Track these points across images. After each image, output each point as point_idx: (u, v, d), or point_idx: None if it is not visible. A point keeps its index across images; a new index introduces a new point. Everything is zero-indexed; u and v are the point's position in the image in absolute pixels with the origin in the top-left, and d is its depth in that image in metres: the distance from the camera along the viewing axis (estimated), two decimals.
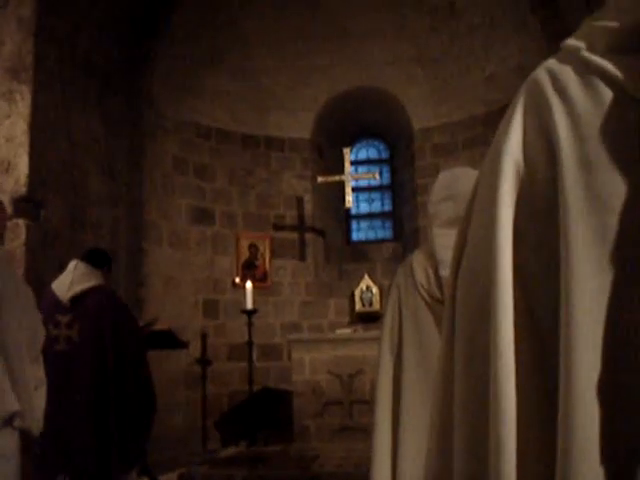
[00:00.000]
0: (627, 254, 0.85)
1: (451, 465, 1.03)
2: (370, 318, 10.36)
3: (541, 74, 1.01)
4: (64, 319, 4.90)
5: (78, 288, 4.98)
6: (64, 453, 4.73)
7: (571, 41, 1.00)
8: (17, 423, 3.59)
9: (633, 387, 0.83)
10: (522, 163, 0.97)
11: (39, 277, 6.37)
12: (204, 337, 9.40)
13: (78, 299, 4.96)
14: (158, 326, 6.59)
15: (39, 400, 3.77)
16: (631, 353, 0.84)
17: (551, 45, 8.52)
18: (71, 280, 5.01)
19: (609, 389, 0.84)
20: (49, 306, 4.71)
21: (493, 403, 0.92)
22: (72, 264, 5.12)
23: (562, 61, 1.00)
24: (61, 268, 5.34)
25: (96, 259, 5.26)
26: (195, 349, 9.07)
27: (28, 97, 7.19)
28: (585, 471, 0.82)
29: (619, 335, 0.84)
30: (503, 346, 0.91)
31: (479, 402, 0.96)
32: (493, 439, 0.91)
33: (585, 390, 0.83)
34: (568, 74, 0.97)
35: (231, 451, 8.77)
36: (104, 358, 4.88)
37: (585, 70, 0.95)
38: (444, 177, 2.88)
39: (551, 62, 1.02)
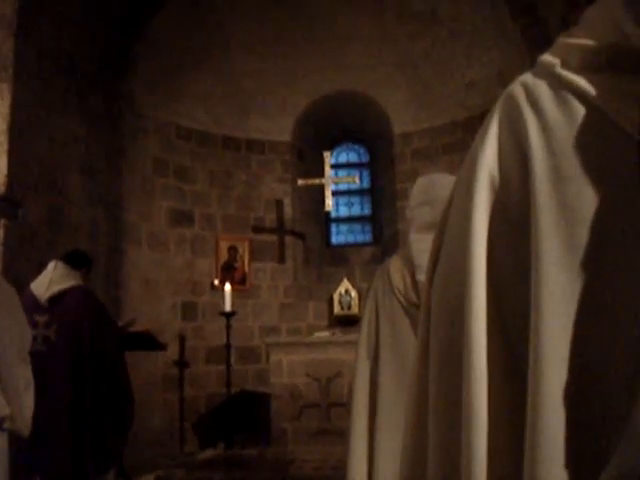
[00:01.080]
0: (596, 265, 0.87)
1: (424, 467, 1.04)
2: (349, 321, 10.37)
3: (516, 88, 1.03)
4: (42, 319, 4.88)
5: (56, 288, 4.96)
6: (40, 454, 4.70)
7: (546, 57, 1.02)
8: (7, 425, 3.58)
9: (598, 397, 0.85)
10: (497, 174, 0.99)
11: (16, 277, 6.33)
12: (182, 339, 9.39)
13: (56, 299, 4.94)
14: (136, 327, 6.57)
15: (28, 401, 3.76)
16: (597, 365, 0.85)
17: (531, 51, 8.58)
18: (50, 280, 4.99)
19: (576, 398, 0.85)
20: (27, 306, 4.68)
21: (465, 406, 0.93)
22: (51, 264, 5.10)
23: (537, 76, 1.02)
24: (39, 268, 5.32)
25: (76, 260, 5.24)
26: (173, 351, 9.05)
27: (8, 96, 7.13)
28: (551, 474, 0.84)
29: (586, 346, 0.86)
30: (475, 351, 0.93)
31: (451, 405, 0.98)
32: (464, 441, 0.93)
33: (552, 398, 0.85)
34: (542, 89, 0.98)
35: (208, 454, 8.76)
36: (81, 358, 4.86)
37: (559, 86, 0.97)
38: (422, 182, 2.91)
39: (526, 77, 1.03)
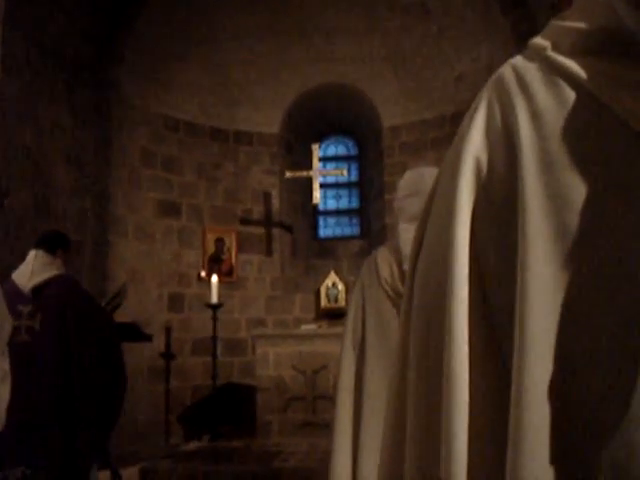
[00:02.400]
0: (585, 253, 0.85)
1: (404, 455, 1.04)
2: (335, 314, 10.37)
3: (506, 71, 1.01)
4: (25, 309, 4.83)
5: (39, 278, 4.92)
6: (26, 445, 4.67)
7: (537, 40, 1.00)
8: None
9: (583, 393, 0.84)
10: (483, 158, 0.97)
11: (2, 267, 6.30)
12: (168, 331, 9.35)
13: (39, 289, 4.90)
14: (122, 319, 6.55)
15: (3, 393, 3.72)
16: (583, 359, 0.84)
17: (520, 46, 8.42)
18: (31, 270, 4.94)
19: (560, 393, 0.84)
20: (10, 296, 4.64)
21: (446, 395, 0.92)
22: (32, 254, 5.04)
23: (528, 59, 1.00)
24: (25, 258, 5.28)
25: (51, 243, 5.16)
26: (159, 343, 9.02)
27: None
28: (534, 469, 0.83)
29: (572, 339, 0.85)
30: (457, 339, 0.92)
31: (432, 393, 0.97)
32: (445, 429, 0.92)
33: (536, 392, 0.84)
34: (533, 73, 0.97)
35: (194, 446, 8.75)
36: (67, 347, 4.82)
37: (549, 70, 0.95)
38: (410, 174, 2.91)
39: (517, 60, 1.02)
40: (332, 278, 10.93)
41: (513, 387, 0.86)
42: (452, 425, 0.91)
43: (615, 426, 0.82)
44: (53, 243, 5.16)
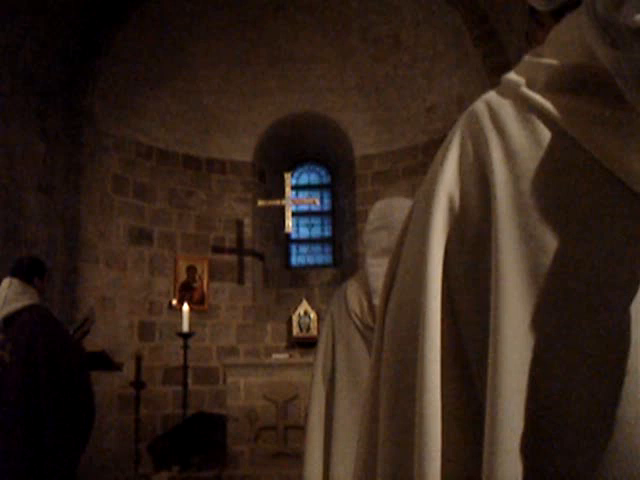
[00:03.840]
0: (558, 295, 0.85)
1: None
2: (307, 343, 10.33)
3: (480, 107, 1.00)
4: None
5: (11, 307, 4.86)
6: None
7: (511, 75, 1.00)
8: None
9: (555, 430, 0.83)
10: (456, 196, 0.96)
11: None
12: (139, 359, 9.27)
13: (11, 319, 4.84)
14: (92, 347, 6.47)
15: None
16: (557, 395, 0.84)
17: (491, 78, 8.67)
18: (4, 299, 4.89)
19: (532, 433, 0.84)
20: None
21: (418, 444, 0.91)
22: (6, 281, 4.98)
23: (502, 95, 0.99)
24: None
25: (27, 271, 5.11)
26: (129, 371, 8.93)
27: None
28: None
29: (545, 376, 0.84)
30: (428, 376, 0.90)
31: (404, 439, 0.96)
32: (417, 467, 0.91)
33: (507, 434, 0.83)
34: (507, 109, 0.96)
35: (164, 476, 8.64)
36: (36, 379, 4.76)
37: (523, 106, 0.94)
38: (379, 207, 2.91)
39: (491, 95, 1.01)
40: (304, 306, 10.89)
41: (486, 430, 0.85)
42: (423, 462, 0.90)
43: (593, 464, 0.81)
44: (29, 271, 5.11)
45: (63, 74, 9.10)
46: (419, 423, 0.91)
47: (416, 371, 0.93)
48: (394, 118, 11.03)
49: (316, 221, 12.70)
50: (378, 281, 2.57)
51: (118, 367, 7.08)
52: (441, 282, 0.94)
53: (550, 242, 0.85)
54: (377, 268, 2.61)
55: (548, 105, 0.91)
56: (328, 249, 12.53)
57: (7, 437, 4.66)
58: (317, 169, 12.84)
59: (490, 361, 0.86)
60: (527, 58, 1.01)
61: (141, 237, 10.51)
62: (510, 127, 0.94)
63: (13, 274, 5.02)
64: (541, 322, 0.85)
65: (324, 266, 12.29)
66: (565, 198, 0.87)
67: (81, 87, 9.59)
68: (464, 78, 9.91)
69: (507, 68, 1.03)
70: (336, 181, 12.55)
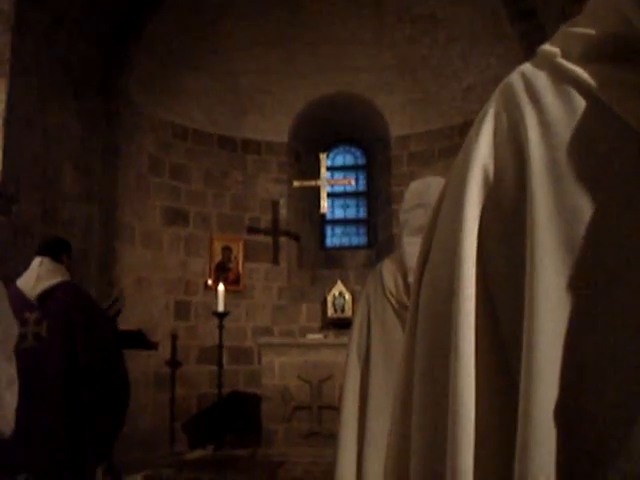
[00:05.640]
0: (594, 266, 0.84)
1: (409, 465, 1.02)
2: (342, 324, 10.35)
3: (515, 79, 0.99)
4: (32, 316, 4.83)
5: (45, 284, 4.92)
6: (31, 451, 4.66)
7: (547, 47, 0.98)
8: None
9: (592, 410, 0.82)
10: (491, 168, 0.95)
11: (8, 273, 6.30)
12: (174, 338, 9.36)
13: (45, 296, 4.91)
14: (128, 326, 6.54)
15: (11, 399, 3.71)
16: (593, 373, 0.82)
17: (529, 57, 8.52)
18: (37, 276, 4.95)
19: (569, 410, 0.82)
20: (16, 303, 4.64)
21: (452, 411, 0.91)
22: (37, 260, 5.05)
23: (537, 66, 0.98)
24: None
25: (56, 249, 5.18)
26: (165, 350, 9.02)
27: (3, 92, 7.12)
28: None
29: (582, 352, 0.83)
30: (463, 353, 0.90)
31: (438, 408, 0.95)
32: (450, 442, 0.91)
33: (543, 408, 0.82)
34: (542, 80, 0.95)
35: (198, 454, 8.73)
36: (74, 353, 4.82)
37: (559, 77, 0.93)
38: (416, 185, 2.89)
39: (526, 67, 1.00)
40: (339, 288, 10.90)
41: (520, 402, 0.84)
42: (458, 441, 0.90)
43: (624, 443, 0.80)
44: (57, 249, 5.17)
45: (99, 56, 9.15)
46: (453, 394, 0.91)
47: (450, 343, 0.92)
48: (430, 98, 10.97)
49: (351, 202, 12.70)
50: (413, 259, 2.55)
51: (154, 346, 7.15)
52: (476, 255, 0.93)
53: (585, 212, 0.84)
54: (413, 247, 2.59)
55: (584, 75, 0.90)
56: (363, 230, 12.53)
57: (45, 413, 4.71)
58: (352, 150, 12.82)
59: (525, 330, 0.85)
60: (562, 29, 0.99)
61: (177, 217, 10.58)
62: (545, 98, 0.92)
63: (42, 253, 5.08)
64: (576, 293, 0.84)
65: (359, 247, 12.30)
66: (600, 168, 0.86)
67: (117, 68, 9.64)
68: (501, 57, 9.80)
69: (543, 44, 1.02)
70: (371, 162, 12.52)
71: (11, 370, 3.76)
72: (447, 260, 0.97)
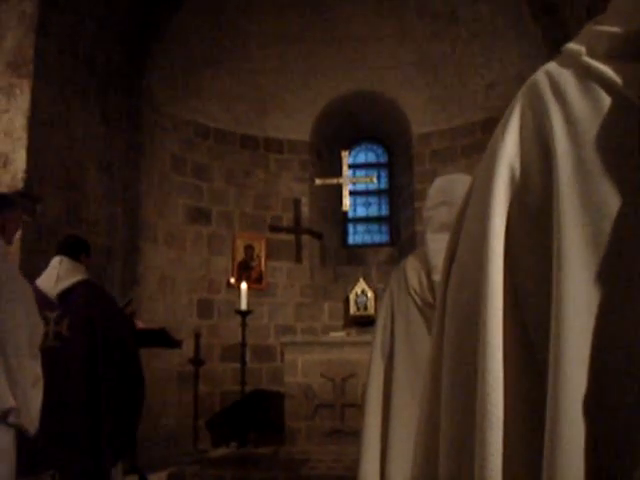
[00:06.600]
0: (621, 263, 0.84)
1: (437, 466, 1.02)
2: (364, 322, 10.34)
3: (540, 77, 0.99)
4: (52, 315, 4.87)
5: (65, 283, 4.96)
6: (56, 449, 4.69)
7: (572, 45, 0.98)
8: (12, 420, 3.58)
9: (620, 406, 0.82)
10: (517, 167, 0.96)
11: (33, 272, 6.35)
12: (197, 337, 9.39)
13: (65, 294, 4.94)
14: (151, 324, 6.57)
15: (36, 397, 3.75)
16: (620, 370, 0.82)
17: (552, 53, 8.47)
18: (57, 276, 4.99)
19: (597, 406, 0.82)
20: (37, 302, 4.69)
21: (480, 408, 0.91)
22: (56, 260, 5.09)
23: (562, 65, 0.98)
24: None
25: (75, 248, 5.22)
26: (188, 349, 9.05)
27: (27, 92, 7.18)
28: None
29: (609, 349, 0.83)
30: (491, 352, 0.90)
31: (466, 405, 0.95)
32: (479, 440, 0.91)
33: (572, 405, 0.82)
34: (567, 78, 0.95)
35: (221, 451, 8.76)
36: (95, 352, 4.86)
37: (585, 75, 0.93)
38: (440, 182, 2.89)
39: (551, 65, 1.00)
40: (361, 285, 10.89)
41: (548, 400, 0.84)
42: (486, 439, 0.90)
43: None
44: (76, 249, 5.22)
45: (122, 56, 9.19)
46: (481, 390, 0.91)
47: (479, 341, 0.93)
48: (452, 95, 10.93)
49: (373, 200, 12.69)
50: (437, 257, 2.55)
51: (178, 344, 7.17)
52: (503, 253, 0.93)
53: (611, 209, 0.84)
54: (437, 244, 2.59)
55: (609, 72, 0.90)
56: (385, 228, 12.51)
57: (68, 411, 4.75)
58: (374, 147, 12.80)
59: (553, 325, 0.85)
60: (588, 27, 0.99)
61: (199, 216, 10.62)
62: (571, 96, 0.93)
63: (62, 252, 5.12)
64: (602, 289, 0.84)
65: (381, 245, 12.28)
66: (626, 166, 0.86)
67: (140, 68, 9.68)
68: (523, 54, 9.75)
69: (567, 42, 1.02)
70: (393, 160, 12.50)
71: (37, 369, 3.80)
72: (475, 260, 0.97)
